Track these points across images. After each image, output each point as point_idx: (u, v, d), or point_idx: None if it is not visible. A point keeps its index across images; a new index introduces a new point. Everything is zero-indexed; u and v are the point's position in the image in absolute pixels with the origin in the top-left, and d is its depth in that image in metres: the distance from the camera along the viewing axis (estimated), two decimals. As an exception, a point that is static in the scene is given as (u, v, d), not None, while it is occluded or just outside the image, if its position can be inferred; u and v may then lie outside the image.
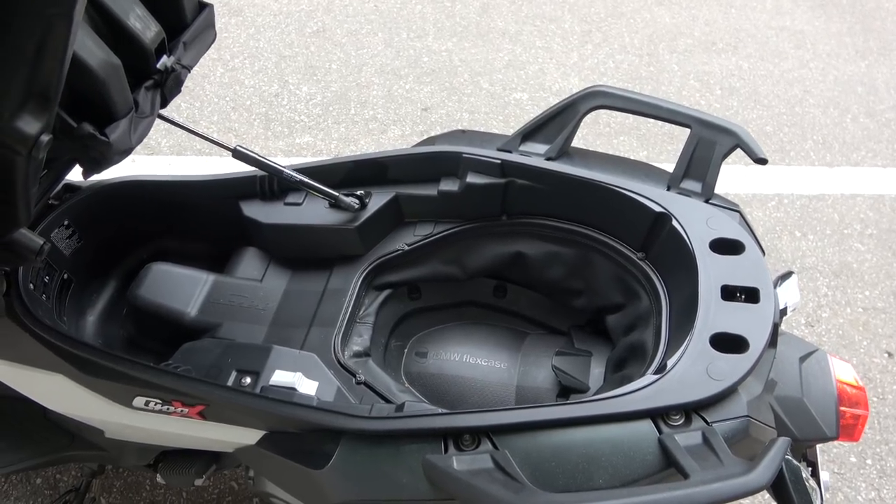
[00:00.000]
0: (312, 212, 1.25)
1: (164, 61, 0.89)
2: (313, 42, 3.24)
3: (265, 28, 3.27)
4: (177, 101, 2.80)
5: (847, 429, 1.02)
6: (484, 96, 3.11)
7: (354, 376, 1.10)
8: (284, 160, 2.73)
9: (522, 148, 1.22)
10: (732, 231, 1.02)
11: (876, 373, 2.31)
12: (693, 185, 1.13)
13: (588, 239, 1.16)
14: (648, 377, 0.88)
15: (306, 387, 1.04)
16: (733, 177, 2.91)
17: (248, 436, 1.05)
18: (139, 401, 1.11)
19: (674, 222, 1.03)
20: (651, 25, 3.76)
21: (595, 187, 1.09)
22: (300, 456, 0.96)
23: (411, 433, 0.90)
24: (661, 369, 0.88)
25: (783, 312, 1.13)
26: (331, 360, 1.13)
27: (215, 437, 1.09)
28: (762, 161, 1.07)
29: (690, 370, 0.86)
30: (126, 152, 0.90)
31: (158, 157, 2.58)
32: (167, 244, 1.46)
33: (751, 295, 0.94)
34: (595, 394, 1.11)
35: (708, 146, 1.11)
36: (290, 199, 1.28)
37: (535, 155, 1.20)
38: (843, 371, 1.07)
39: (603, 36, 3.62)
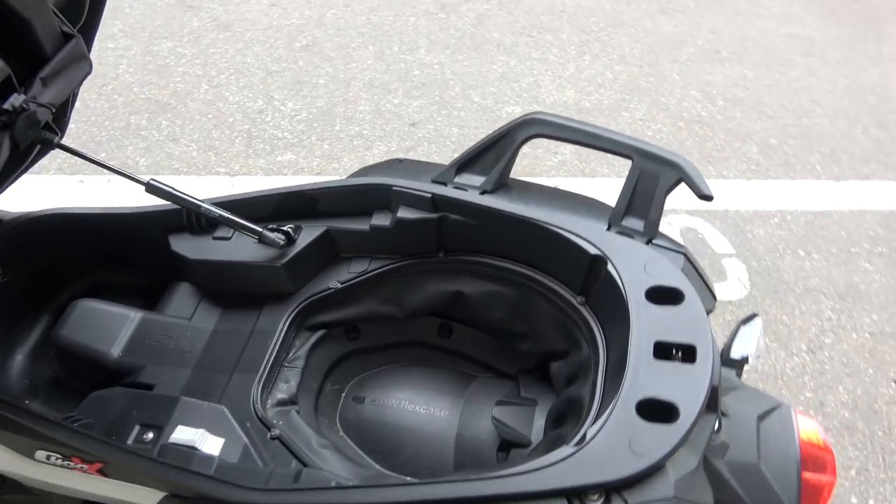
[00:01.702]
0: (240, 248, 1.17)
1: (12, 100, 0.81)
2: (302, 56, 3.18)
3: (254, 43, 3.22)
4: (157, 118, 2.76)
5: (810, 497, 0.91)
6: (475, 110, 3.02)
7: (269, 430, 1.01)
8: (265, 179, 2.68)
9: (458, 179, 1.13)
10: (671, 278, 0.91)
11: (882, 404, 2.16)
12: (635, 222, 1.02)
13: (528, 280, 1.07)
14: (566, 449, 0.78)
15: (210, 445, 0.96)
16: (733, 191, 2.78)
17: (149, 497, 0.97)
18: (41, 454, 1.03)
19: (609, 266, 0.93)
20: (652, 34, 3.65)
21: (530, 225, 0.99)
22: (193, 525, 0.88)
23: (304, 507, 0.82)
24: (582, 439, 0.78)
25: (743, 362, 1.02)
26: (248, 410, 1.05)
27: (117, 497, 1.01)
28: (706, 198, 0.97)
29: (612, 442, 0.76)
30: None
31: (135, 176, 2.52)
32: (104, 277, 1.39)
33: (687, 353, 0.84)
34: (530, 453, 1.01)
35: (651, 179, 1.00)
36: (220, 233, 1.20)
37: (470, 187, 1.11)
38: (808, 429, 0.96)
39: (602, 46, 3.52)
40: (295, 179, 2.61)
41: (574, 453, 0.77)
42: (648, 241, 1.00)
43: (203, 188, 2.50)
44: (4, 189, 1.16)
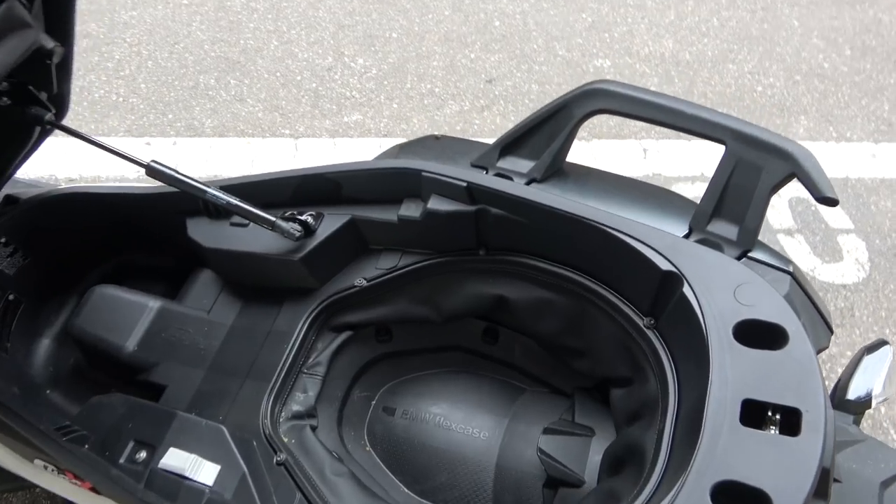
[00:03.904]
0: (256, 237, 1.03)
1: None
2: (376, 9, 2.99)
3: (327, -5, 3.06)
4: (226, 77, 2.68)
5: None
6: (558, 64, 2.75)
7: (276, 454, 0.88)
8: (329, 142, 2.55)
9: (502, 164, 0.93)
10: (772, 310, 0.68)
11: None
12: (726, 228, 0.79)
13: (584, 290, 0.86)
14: None
15: (203, 474, 0.84)
16: (856, 157, 2.41)
17: (143, 521, 0.87)
18: (38, 462, 0.96)
19: (685, 288, 0.71)
20: (770, -27, 3.19)
21: (585, 226, 0.79)
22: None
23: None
24: None
25: (865, 405, 0.78)
26: (256, 427, 0.92)
27: (115, 515, 0.92)
28: (828, 202, 0.73)
29: None
30: None
31: (201, 138, 2.46)
32: (129, 259, 1.31)
33: (788, 419, 0.62)
34: (580, 502, 0.83)
35: (750, 172, 0.76)
36: (237, 219, 1.06)
37: (516, 174, 0.91)
38: (951, 505, 0.72)
39: (708, -12, 3.11)
40: (361, 142, 2.47)
41: (620, 551, 0.58)
42: (742, 255, 0.77)
43: (268, 151, 2.41)
44: (10, 174, 1.07)
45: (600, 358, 0.90)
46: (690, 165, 2.37)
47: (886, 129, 2.57)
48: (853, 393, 0.81)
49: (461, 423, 1.02)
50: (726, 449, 0.59)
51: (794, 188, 2.33)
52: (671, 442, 0.69)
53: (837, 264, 2.19)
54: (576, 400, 0.99)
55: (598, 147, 2.46)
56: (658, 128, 2.51)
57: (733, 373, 0.63)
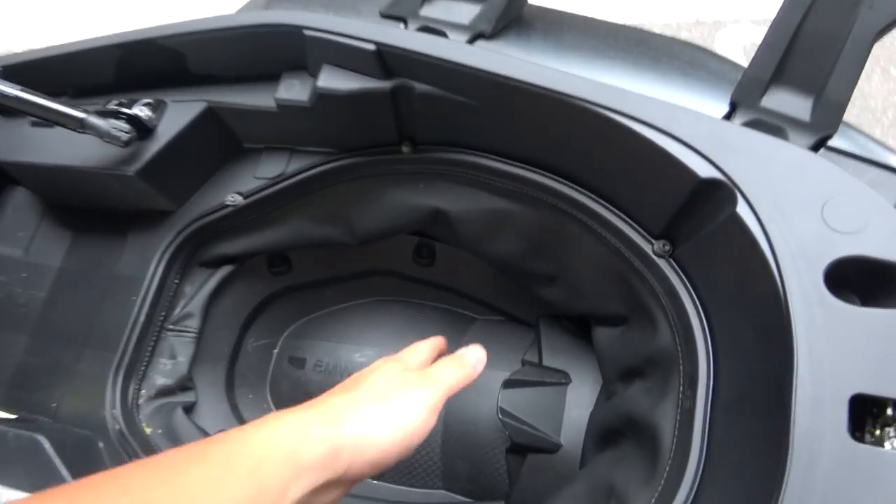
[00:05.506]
0: (71, 141, 0.69)
1: None
2: None
3: None
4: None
5: None
6: None
7: (130, 458, 0.62)
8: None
9: (428, 11, 0.62)
10: (889, 240, 0.41)
11: None
12: (792, 102, 0.49)
13: (560, 199, 0.59)
14: None
15: (10, 509, 0.57)
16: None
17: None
18: None
19: (739, 207, 0.44)
20: None
21: (567, 108, 0.50)
22: None
23: None
24: None
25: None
26: (100, 419, 0.65)
27: None
28: None
29: None
30: None
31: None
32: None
33: None
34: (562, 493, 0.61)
35: (839, 10, 0.48)
36: None
37: (452, 27, 0.60)
38: None
39: None
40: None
41: None
42: (818, 144, 0.50)
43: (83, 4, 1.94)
44: None
45: (580, 289, 0.65)
46: (694, 7, 2.06)
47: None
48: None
49: None
50: (829, 481, 0.37)
51: (747, 31, 2.07)
52: (708, 431, 0.47)
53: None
54: (542, 332, 0.75)
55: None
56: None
57: (832, 349, 0.39)
